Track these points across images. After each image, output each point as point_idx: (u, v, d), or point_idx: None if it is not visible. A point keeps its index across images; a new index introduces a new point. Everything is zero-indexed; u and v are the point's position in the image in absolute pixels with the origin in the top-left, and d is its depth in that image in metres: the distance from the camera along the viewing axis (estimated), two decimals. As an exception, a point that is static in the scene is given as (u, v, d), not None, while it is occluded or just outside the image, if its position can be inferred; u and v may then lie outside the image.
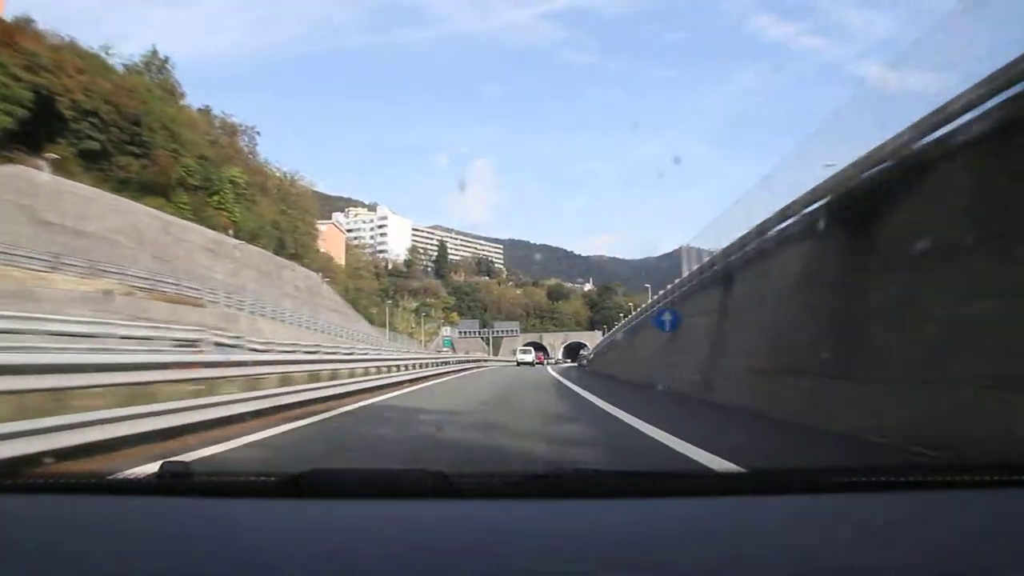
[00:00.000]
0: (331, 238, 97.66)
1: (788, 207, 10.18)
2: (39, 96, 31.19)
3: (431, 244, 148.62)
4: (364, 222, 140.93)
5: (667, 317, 17.57)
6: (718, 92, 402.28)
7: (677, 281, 19.34)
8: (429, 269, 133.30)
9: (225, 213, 45.33)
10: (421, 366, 22.24)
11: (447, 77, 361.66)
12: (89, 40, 49.36)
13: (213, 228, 41.17)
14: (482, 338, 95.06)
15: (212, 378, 8.03)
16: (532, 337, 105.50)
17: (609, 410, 10.28)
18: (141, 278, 25.08)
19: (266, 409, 7.88)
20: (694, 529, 1.19)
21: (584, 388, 16.62)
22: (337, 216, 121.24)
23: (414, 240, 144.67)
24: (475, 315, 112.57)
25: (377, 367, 16.90)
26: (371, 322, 74.19)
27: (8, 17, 35.34)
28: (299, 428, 7.33)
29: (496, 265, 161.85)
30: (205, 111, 59.88)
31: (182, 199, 40.75)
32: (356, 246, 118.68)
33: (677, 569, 0.99)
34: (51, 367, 5.32)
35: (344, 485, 1.46)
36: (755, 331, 11.26)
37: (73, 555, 1.05)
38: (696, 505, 1.37)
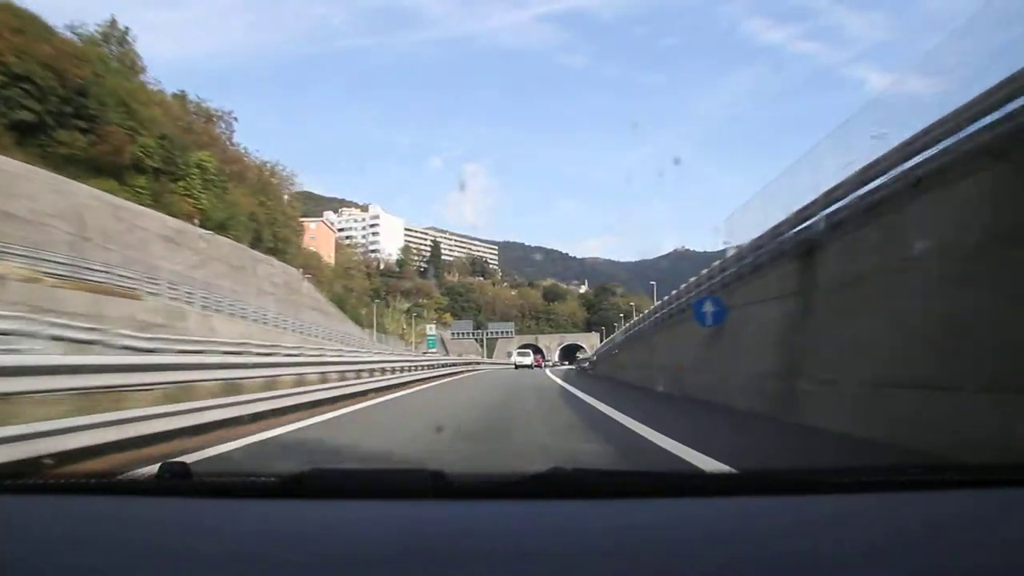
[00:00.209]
0: (321, 236, 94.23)
1: (963, 110, 6.05)
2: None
3: (424, 244, 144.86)
4: (356, 221, 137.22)
5: (708, 308, 13.39)
6: (712, 96, 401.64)
7: (717, 264, 15.20)
8: (422, 269, 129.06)
9: (191, 200, 40.99)
10: (386, 371, 17.97)
11: (444, 80, 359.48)
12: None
13: (175, 216, 36.81)
14: (476, 339, 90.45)
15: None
16: (527, 338, 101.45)
17: (665, 446, 6.12)
18: (61, 263, 20.84)
19: None
20: (694, 529, 1.18)
21: (601, 400, 12.46)
22: (328, 215, 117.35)
23: (407, 240, 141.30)
24: (469, 316, 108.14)
25: (322, 373, 12.68)
26: (359, 323, 70.36)
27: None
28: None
29: (491, 266, 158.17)
30: (180, 96, 56.19)
31: (138, 182, 36.35)
32: (348, 245, 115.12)
33: (677, 569, 0.98)
34: None
35: (344, 485, 1.45)
36: (881, 324, 7.15)
37: (73, 556, 1.05)
38: (695, 505, 1.35)
